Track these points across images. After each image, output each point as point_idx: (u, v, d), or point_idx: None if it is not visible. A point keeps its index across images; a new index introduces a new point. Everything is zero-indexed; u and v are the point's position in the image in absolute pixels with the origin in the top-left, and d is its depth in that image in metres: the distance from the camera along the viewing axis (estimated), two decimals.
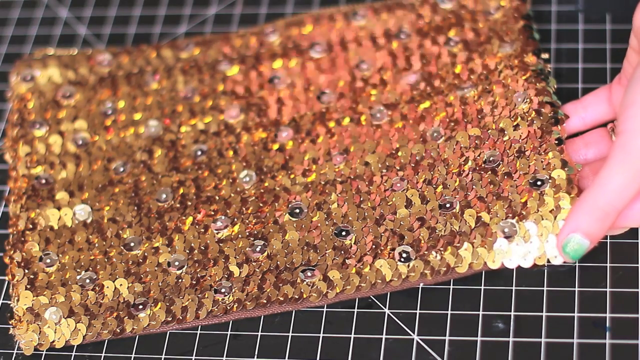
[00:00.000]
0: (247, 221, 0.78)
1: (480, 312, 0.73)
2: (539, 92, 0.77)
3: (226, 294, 0.75)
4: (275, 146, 0.82)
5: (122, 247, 0.79)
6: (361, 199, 0.77)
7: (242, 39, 0.88)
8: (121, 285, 0.77)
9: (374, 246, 0.75)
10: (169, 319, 0.75)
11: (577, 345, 0.70)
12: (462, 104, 0.80)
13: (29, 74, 0.88)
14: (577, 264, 0.73)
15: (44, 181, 0.83)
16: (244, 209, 0.79)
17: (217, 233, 0.78)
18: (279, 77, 0.85)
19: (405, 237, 0.75)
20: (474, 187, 0.75)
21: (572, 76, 0.83)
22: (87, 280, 0.77)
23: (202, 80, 0.86)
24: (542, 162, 0.74)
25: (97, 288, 0.77)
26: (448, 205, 0.75)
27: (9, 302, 0.78)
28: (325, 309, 0.75)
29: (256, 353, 0.74)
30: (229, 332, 0.75)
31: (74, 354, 0.76)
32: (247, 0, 0.94)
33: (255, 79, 0.86)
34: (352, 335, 0.73)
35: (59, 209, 0.81)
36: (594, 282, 0.73)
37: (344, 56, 0.85)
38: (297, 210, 0.77)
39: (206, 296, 0.75)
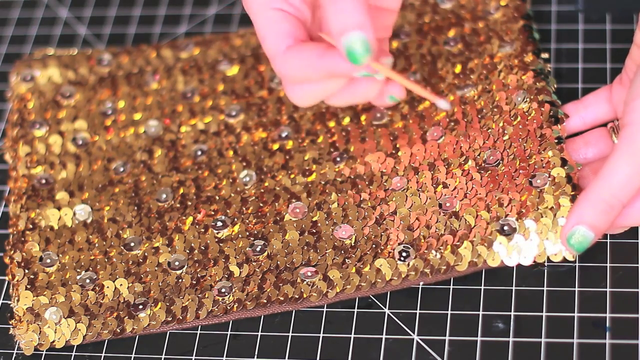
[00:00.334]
0: (247, 221, 0.78)
1: (480, 312, 0.73)
2: (538, 92, 0.77)
3: (226, 294, 0.75)
4: (275, 146, 0.82)
5: (122, 247, 0.79)
6: (361, 199, 0.77)
7: (242, 39, 0.88)
8: (121, 285, 0.77)
9: (374, 245, 0.75)
10: (169, 319, 0.75)
11: (577, 345, 0.70)
12: (462, 103, 0.80)
13: (29, 74, 0.88)
14: (577, 264, 0.73)
15: (44, 181, 0.83)
16: (244, 208, 0.79)
17: (217, 233, 0.78)
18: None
19: (405, 237, 0.75)
20: (473, 186, 0.75)
21: (572, 76, 0.83)
22: (87, 280, 0.77)
23: (202, 80, 0.86)
24: (541, 160, 0.74)
25: (97, 288, 0.77)
26: (448, 204, 0.75)
27: (9, 302, 0.78)
28: (325, 309, 0.75)
29: (256, 353, 0.74)
30: (229, 332, 0.75)
31: (74, 354, 0.76)
32: None
33: (255, 79, 0.86)
34: (352, 335, 0.73)
35: (59, 209, 0.81)
36: (594, 282, 0.73)
37: None
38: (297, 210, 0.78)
39: (206, 296, 0.75)
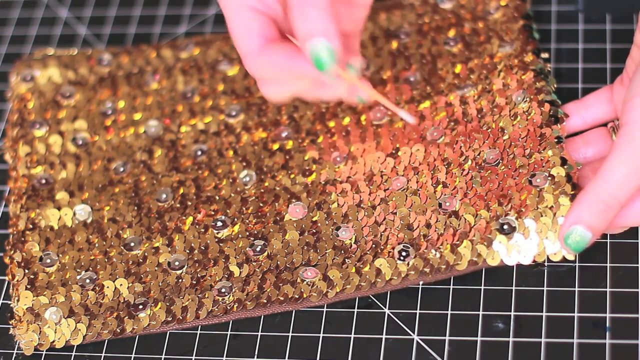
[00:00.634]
0: (247, 221, 0.78)
1: (480, 312, 0.73)
2: (538, 91, 0.77)
3: (226, 294, 0.75)
4: (275, 146, 0.82)
5: (122, 247, 0.79)
6: (361, 199, 0.77)
7: None
8: (121, 285, 0.77)
9: (373, 245, 0.75)
10: (169, 319, 0.75)
11: (577, 345, 0.70)
12: (462, 103, 0.80)
13: (29, 74, 0.88)
14: (577, 264, 0.73)
15: (44, 181, 0.83)
16: (244, 208, 0.79)
17: (217, 233, 0.78)
18: None
19: (405, 236, 0.75)
20: (473, 185, 0.75)
21: (572, 76, 0.83)
22: (87, 280, 0.77)
23: (202, 80, 0.86)
24: (541, 159, 0.74)
25: (97, 288, 0.77)
26: (448, 204, 0.75)
27: (9, 302, 0.78)
28: (325, 309, 0.75)
29: (256, 353, 0.74)
30: (229, 332, 0.75)
31: (74, 354, 0.76)
32: None
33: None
34: (352, 335, 0.73)
35: (59, 209, 0.81)
36: (594, 282, 0.73)
37: None
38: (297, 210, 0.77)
39: (206, 296, 0.75)
